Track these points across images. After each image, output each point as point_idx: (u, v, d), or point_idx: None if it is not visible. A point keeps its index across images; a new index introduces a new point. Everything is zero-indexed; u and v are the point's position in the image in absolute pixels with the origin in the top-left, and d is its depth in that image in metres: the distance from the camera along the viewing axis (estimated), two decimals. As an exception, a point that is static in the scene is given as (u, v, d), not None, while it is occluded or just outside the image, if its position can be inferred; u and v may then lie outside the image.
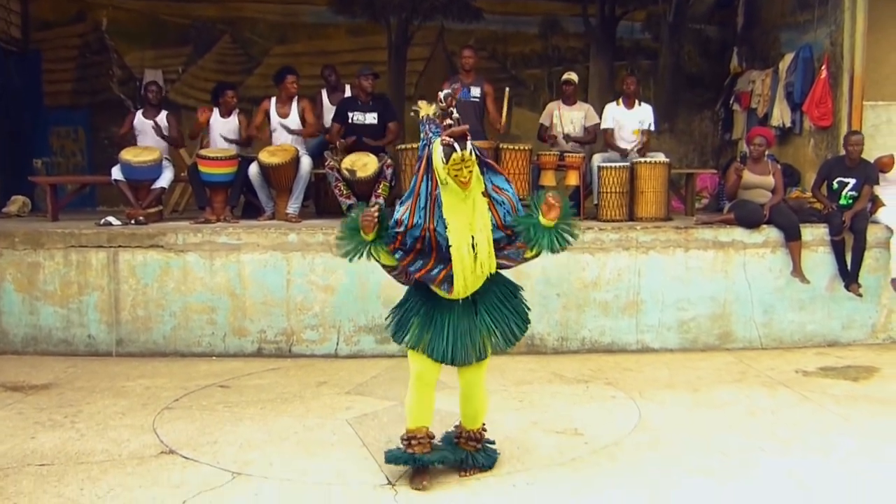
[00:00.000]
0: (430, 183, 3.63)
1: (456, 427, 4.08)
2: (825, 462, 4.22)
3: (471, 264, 3.62)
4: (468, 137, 3.57)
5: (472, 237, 3.61)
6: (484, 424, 4.04)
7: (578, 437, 4.58)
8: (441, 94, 3.74)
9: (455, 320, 3.77)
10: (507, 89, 7.56)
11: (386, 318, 4.01)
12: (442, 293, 3.75)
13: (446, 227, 3.60)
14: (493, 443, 4.11)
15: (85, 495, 3.75)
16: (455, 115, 3.68)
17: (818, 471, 4.09)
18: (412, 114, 3.87)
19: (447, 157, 3.52)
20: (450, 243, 3.60)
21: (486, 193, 3.69)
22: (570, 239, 3.71)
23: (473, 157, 3.56)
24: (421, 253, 3.66)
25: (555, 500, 3.71)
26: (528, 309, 4.01)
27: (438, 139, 3.59)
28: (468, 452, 3.98)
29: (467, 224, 3.60)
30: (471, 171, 3.54)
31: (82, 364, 6.27)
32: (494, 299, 3.85)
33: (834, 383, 5.78)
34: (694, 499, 3.76)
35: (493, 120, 7.83)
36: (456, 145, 3.52)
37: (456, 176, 3.52)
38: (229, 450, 4.34)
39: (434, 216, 3.62)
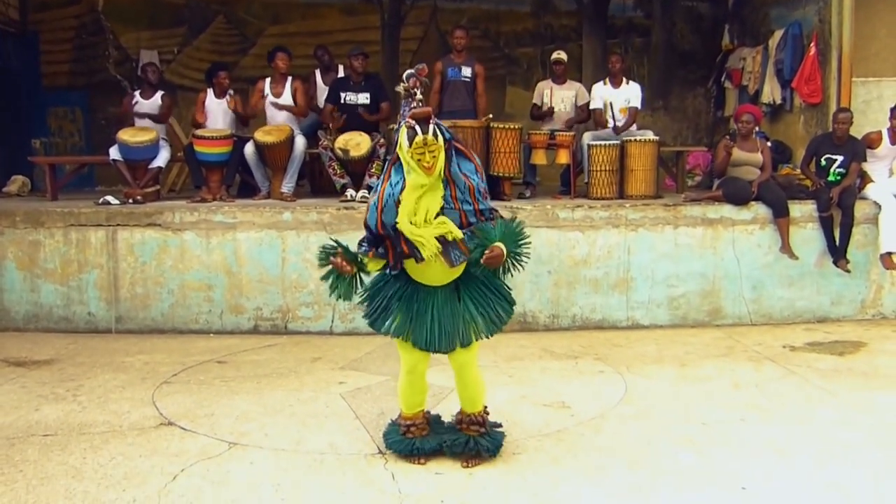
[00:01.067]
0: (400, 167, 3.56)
1: (458, 413, 3.97)
2: (804, 431, 4.33)
3: (421, 230, 3.46)
4: (431, 120, 3.47)
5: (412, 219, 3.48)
6: (486, 407, 3.95)
7: (565, 409, 4.70)
8: (404, 75, 3.64)
9: (438, 307, 3.66)
10: (490, 117, 7.55)
11: (359, 303, 3.87)
12: (418, 272, 3.64)
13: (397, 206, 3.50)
14: (499, 426, 4.02)
15: (88, 463, 3.88)
16: (419, 96, 3.57)
17: (797, 439, 4.21)
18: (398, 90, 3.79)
19: (410, 140, 3.44)
20: (395, 220, 3.49)
21: (449, 175, 3.55)
22: (518, 266, 3.60)
23: (440, 141, 3.46)
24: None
25: (538, 468, 3.84)
26: (509, 289, 3.86)
27: (405, 122, 3.50)
28: (471, 437, 3.86)
29: (420, 207, 3.48)
30: (434, 156, 3.44)
31: (82, 340, 6.40)
32: (479, 283, 3.72)
33: (820, 358, 5.87)
34: (673, 465, 3.88)
35: (480, 105, 7.89)
36: (417, 128, 3.44)
37: (419, 160, 3.43)
38: (226, 421, 4.47)
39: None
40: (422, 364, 3.83)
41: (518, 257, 3.58)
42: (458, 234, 3.50)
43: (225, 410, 4.66)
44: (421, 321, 3.68)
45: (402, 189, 3.54)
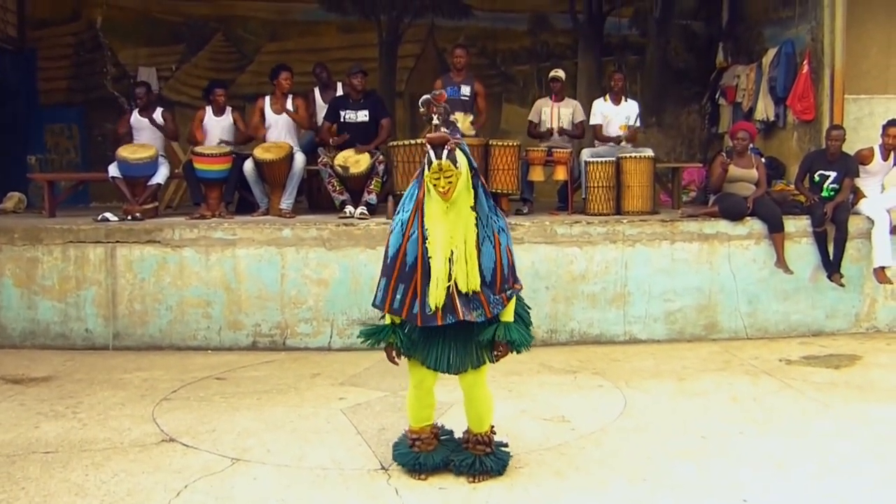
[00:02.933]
0: (418, 191, 3.62)
1: (465, 432, 3.98)
2: (802, 443, 4.37)
3: (444, 277, 3.54)
4: (446, 146, 3.50)
5: (452, 251, 3.55)
6: (493, 427, 3.96)
7: (565, 423, 4.72)
8: (420, 100, 3.69)
9: (452, 329, 3.67)
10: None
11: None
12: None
13: (427, 239, 3.58)
14: (505, 445, 4.03)
15: (90, 480, 3.88)
16: (435, 121, 3.60)
17: (795, 451, 4.25)
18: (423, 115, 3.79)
19: (428, 165, 3.50)
20: (429, 255, 3.57)
21: (475, 209, 3.59)
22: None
23: (459, 168, 3.49)
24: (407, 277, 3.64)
25: (541, 481, 3.86)
26: (529, 308, 3.95)
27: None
28: (476, 456, 3.87)
29: (448, 237, 3.55)
30: (450, 182, 3.47)
31: (80, 357, 6.39)
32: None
33: (815, 371, 5.91)
34: (674, 478, 3.90)
35: (476, 122, 7.96)
36: (432, 153, 3.49)
37: (435, 185, 3.48)
38: (227, 437, 4.48)
39: (421, 226, 3.60)
40: (429, 380, 3.85)
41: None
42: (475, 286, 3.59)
43: (226, 426, 4.67)
44: (433, 342, 3.74)
45: (410, 215, 3.63)
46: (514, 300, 3.75)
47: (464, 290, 3.58)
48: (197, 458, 4.18)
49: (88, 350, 6.63)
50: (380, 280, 3.74)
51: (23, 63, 10.32)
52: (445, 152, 3.49)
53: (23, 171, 9.55)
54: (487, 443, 3.90)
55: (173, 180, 8.88)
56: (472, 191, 3.58)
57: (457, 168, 3.50)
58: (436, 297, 3.57)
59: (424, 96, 3.71)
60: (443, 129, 3.59)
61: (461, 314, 3.60)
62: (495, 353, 3.77)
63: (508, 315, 3.73)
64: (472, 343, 3.74)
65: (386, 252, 3.73)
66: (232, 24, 10.70)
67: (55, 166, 10.45)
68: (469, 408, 3.92)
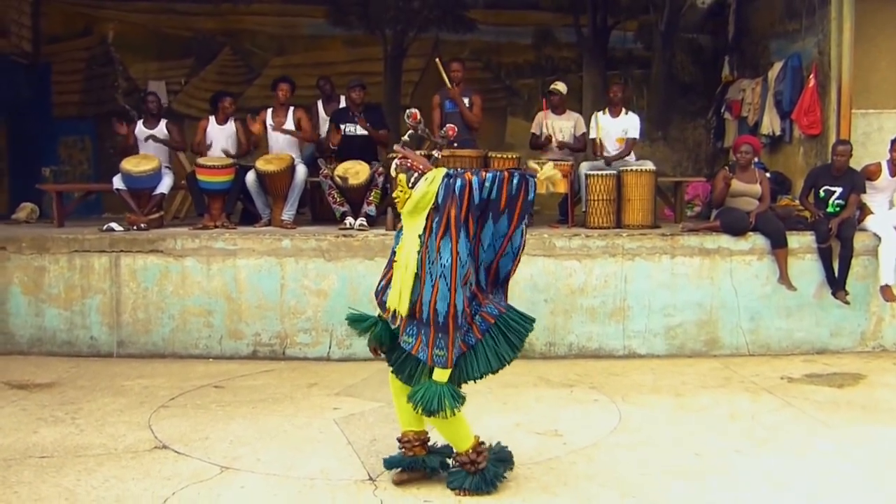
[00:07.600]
0: None
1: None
2: (800, 463, 4.32)
3: (405, 282, 3.63)
4: (402, 163, 3.65)
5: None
6: (479, 443, 3.88)
7: (558, 438, 4.71)
8: (405, 114, 3.86)
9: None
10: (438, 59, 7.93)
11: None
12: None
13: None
14: (505, 459, 3.99)
15: (81, 486, 3.93)
16: (405, 137, 3.80)
17: (793, 471, 4.20)
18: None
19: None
20: (395, 259, 3.75)
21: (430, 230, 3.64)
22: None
23: (411, 188, 3.60)
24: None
25: (527, 497, 3.85)
26: (532, 319, 3.91)
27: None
28: (467, 474, 3.83)
29: (406, 249, 3.69)
30: (402, 192, 3.64)
31: (84, 364, 6.47)
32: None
33: (818, 390, 5.84)
34: (665, 496, 3.88)
35: (472, 124, 8.02)
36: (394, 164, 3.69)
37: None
38: (220, 446, 4.51)
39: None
40: (394, 382, 3.95)
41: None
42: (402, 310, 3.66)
43: (219, 435, 4.71)
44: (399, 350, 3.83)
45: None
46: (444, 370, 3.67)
47: (390, 308, 3.71)
48: (187, 465, 4.21)
49: (93, 357, 6.71)
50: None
51: (37, 77, 10.51)
52: (394, 164, 3.67)
53: (37, 182, 9.67)
54: (472, 461, 3.82)
55: (181, 191, 8.97)
56: (423, 221, 3.62)
57: (409, 187, 3.61)
58: (397, 300, 3.69)
59: (408, 111, 3.89)
60: (432, 151, 3.81)
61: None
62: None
63: (440, 375, 3.66)
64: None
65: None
66: (240, 39, 10.86)
67: (69, 178, 10.61)
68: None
